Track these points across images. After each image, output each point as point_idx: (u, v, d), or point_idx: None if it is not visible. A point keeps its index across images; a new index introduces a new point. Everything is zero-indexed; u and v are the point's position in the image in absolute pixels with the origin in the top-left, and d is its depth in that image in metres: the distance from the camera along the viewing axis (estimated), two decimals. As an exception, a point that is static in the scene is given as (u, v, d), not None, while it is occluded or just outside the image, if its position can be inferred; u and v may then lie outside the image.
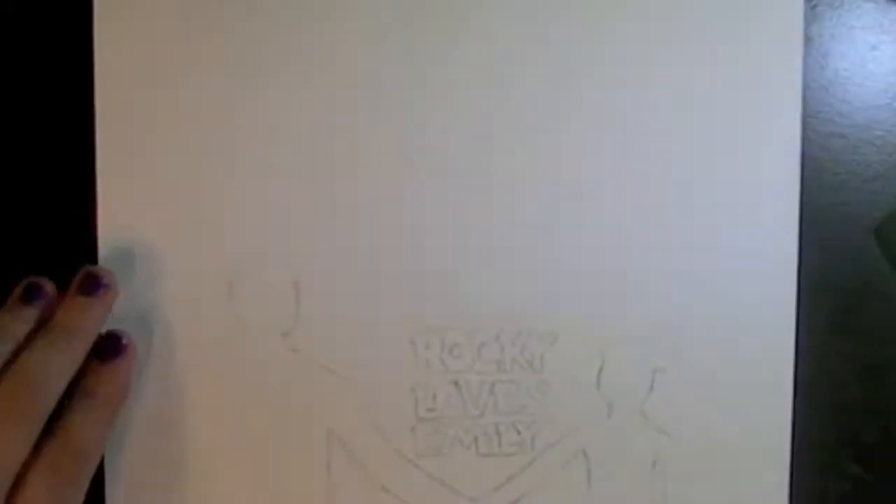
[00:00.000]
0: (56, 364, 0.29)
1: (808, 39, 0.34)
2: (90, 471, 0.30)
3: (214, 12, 0.33)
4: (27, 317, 0.31)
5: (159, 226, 0.33)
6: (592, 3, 0.34)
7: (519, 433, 0.34)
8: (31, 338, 0.30)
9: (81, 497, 0.29)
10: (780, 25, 0.34)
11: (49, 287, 0.31)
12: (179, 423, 0.33)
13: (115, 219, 0.33)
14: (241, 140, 0.33)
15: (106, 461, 0.32)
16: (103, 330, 0.32)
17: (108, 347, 0.32)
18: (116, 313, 0.32)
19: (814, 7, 0.35)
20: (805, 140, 0.35)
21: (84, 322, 0.31)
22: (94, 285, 0.31)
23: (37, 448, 0.28)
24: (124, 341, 0.32)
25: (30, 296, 0.31)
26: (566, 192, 0.34)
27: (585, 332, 0.34)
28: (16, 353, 0.30)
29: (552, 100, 0.34)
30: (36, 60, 0.33)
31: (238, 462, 0.33)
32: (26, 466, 0.28)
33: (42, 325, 0.31)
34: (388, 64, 0.33)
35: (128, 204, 0.33)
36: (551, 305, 0.34)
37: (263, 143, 0.33)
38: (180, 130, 0.33)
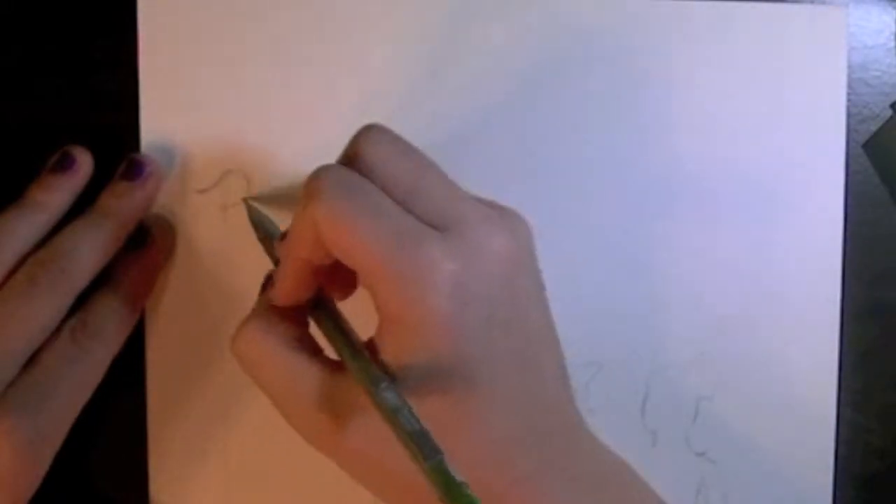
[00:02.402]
0: (88, 241, 0.30)
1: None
2: (106, 349, 0.30)
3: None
4: (59, 185, 0.31)
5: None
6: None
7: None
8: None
9: (97, 371, 0.30)
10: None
11: (83, 156, 0.31)
12: (223, 452, 0.33)
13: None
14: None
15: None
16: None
17: (135, 237, 0.31)
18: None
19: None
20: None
21: (121, 205, 0.31)
22: (136, 170, 0.31)
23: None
24: (150, 232, 0.32)
25: (61, 164, 0.31)
26: (611, 224, 0.34)
27: (630, 362, 0.34)
28: (55, 227, 0.30)
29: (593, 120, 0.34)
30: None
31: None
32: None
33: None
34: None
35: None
36: (596, 336, 0.34)
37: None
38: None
